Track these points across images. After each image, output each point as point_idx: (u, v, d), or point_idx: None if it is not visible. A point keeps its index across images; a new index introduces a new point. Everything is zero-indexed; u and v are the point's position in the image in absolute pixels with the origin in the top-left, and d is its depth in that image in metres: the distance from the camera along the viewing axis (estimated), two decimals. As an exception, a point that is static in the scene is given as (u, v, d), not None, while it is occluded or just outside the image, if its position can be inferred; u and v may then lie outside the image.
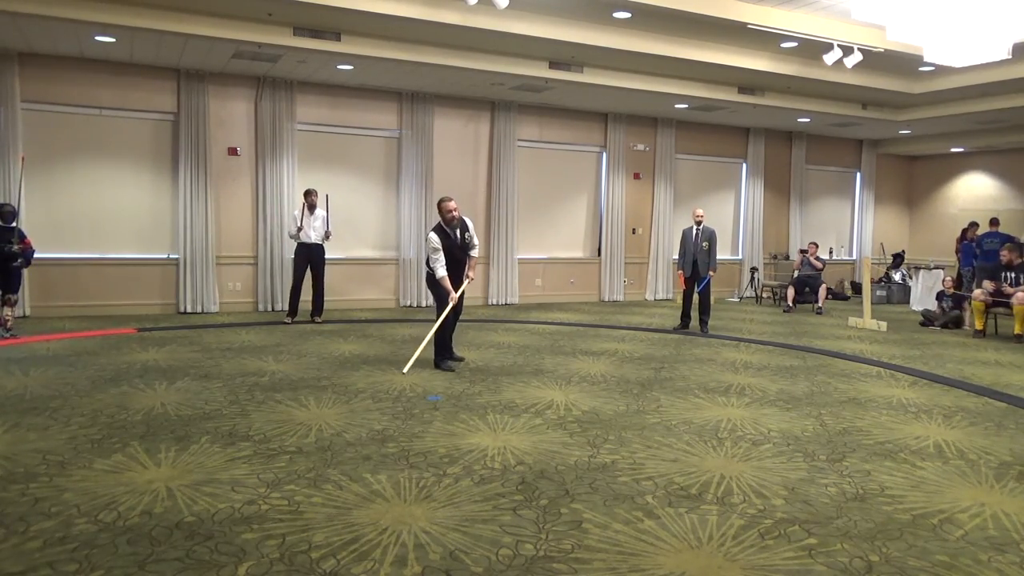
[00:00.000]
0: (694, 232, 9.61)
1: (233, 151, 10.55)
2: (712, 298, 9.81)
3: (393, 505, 3.57)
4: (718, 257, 9.74)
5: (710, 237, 9.58)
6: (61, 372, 6.32)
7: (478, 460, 4.25)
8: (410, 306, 11.59)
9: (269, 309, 10.64)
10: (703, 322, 9.62)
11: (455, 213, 6.85)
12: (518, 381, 6.40)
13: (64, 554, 2.98)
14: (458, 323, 7.44)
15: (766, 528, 3.40)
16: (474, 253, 7.09)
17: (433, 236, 6.78)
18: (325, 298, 9.91)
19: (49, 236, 9.33)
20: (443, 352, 7.04)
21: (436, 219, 11.56)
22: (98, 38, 8.54)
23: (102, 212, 9.99)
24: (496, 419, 5.15)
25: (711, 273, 9.56)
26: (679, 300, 10.19)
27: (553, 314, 11.20)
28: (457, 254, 6.92)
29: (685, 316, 9.82)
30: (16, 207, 8.08)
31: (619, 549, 3.15)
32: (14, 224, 7.97)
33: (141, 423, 4.85)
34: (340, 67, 9.77)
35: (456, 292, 6.91)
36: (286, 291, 10.69)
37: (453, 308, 6.97)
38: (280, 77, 10.49)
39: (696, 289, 9.58)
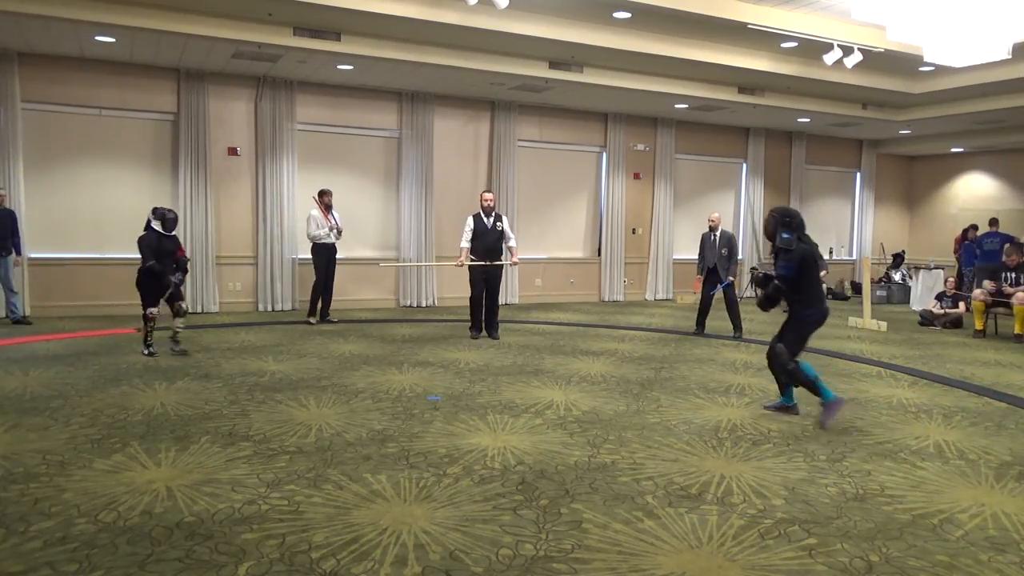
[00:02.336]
0: (712, 238, 9.20)
1: (233, 151, 10.55)
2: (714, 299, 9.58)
3: (393, 505, 3.57)
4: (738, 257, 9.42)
5: (729, 243, 9.16)
6: (61, 372, 6.32)
7: (478, 460, 4.25)
8: (410, 306, 11.59)
9: (269, 309, 10.63)
10: (736, 326, 9.22)
11: (489, 203, 8.56)
12: (518, 381, 6.40)
13: (64, 554, 2.98)
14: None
15: (766, 528, 3.40)
16: (512, 244, 8.76)
17: (470, 220, 8.53)
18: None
19: (49, 236, 9.34)
20: (474, 323, 8.69)
21: (436, 219, 11.80)
22: (98, 38, 8.54)
23: (102, 212, 9.99)
24: (496, 419, 5.15)
25: (730, 278, 9.14)
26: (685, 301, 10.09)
27: (553, 314, 11.20)
28: (487, 237, 8.45)
29: (699, 323, 9.45)
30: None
31: (619, 549, 3.15)
32: (174, 232, 7.32)
33: (141, 423, 4.85)
34: (340, 67, 9.78)
35: (478, 264, 8.47)
36: (286, 291, 10.74)
37: (484, 287, 8.53)
38: (280, 77, 10.49)
39: (710, 292, 9.22)
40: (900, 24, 7.08)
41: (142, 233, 7.14)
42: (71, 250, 9.80)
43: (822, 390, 5.20)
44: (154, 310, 7.13)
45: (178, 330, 7.27)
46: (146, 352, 7.08)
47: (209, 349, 7.59)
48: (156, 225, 7.15)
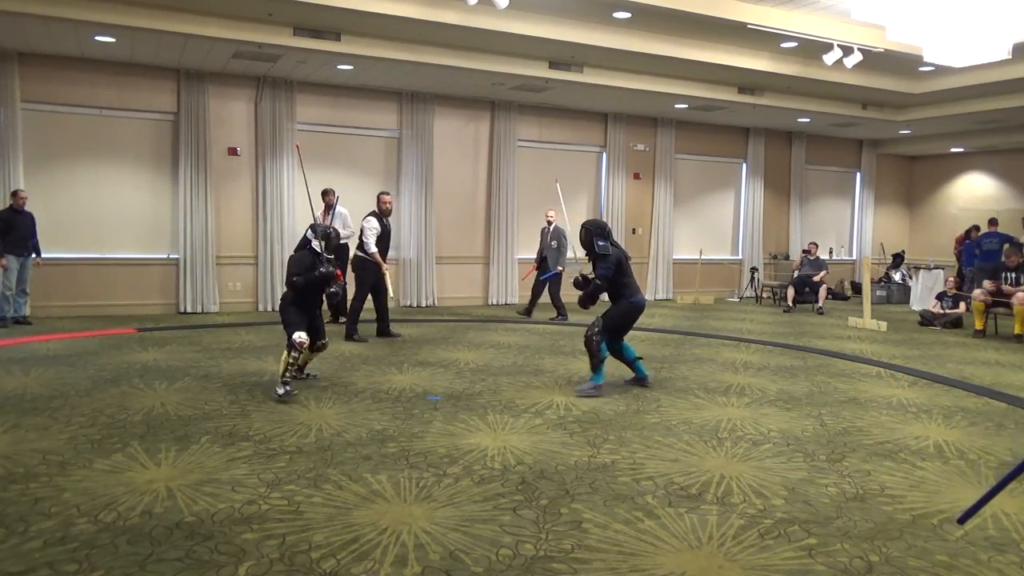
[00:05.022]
0: (546, 231, 10.44)
1: (233, 151, 10.55)
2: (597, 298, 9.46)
3: (393, 505, 3.57)
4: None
5: (558, 236, 10.27)
6: (61, 372, 6.32)
7: (478, 460, 4.25)
8: (410, 306, 11.59)
9: (269, 309, 10.63)
10: (559, 313, 10.32)
11: (391, 205, 8.56)
12: (518, 381, 6.40)
13: (64, 554, 2.98)
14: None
15: (766, 528, 3.40)
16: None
17: (373, 220, 8.23)
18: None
19: (49, 236, 9.32)
20: (357, 325, 8.34)
21: (435, 219, 11.83)
22: (98, 38, 8.54)
23: (102, 212, 9.99)
24: (496, 419, 5.15)
25: (559, 269, 10.21)
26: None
27: (553, 314, 11.18)
28: (389, 240, 8.49)
29: (530, 306, 10.72)
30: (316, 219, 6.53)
31: (619, 549, 3.15)
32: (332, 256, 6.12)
33: (141, 423, 4.85)
34: (340, 67, 9.77)
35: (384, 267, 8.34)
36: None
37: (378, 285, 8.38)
38: (280, 77, 10.49)
39: (541, 278, 10.37)
40: (900, 24, 7.08)
41: (294, 253, 6.08)
42: (71, 250, 9.80)
43: (599, 373, 6.01)
44: (302, 335, 5.66)
45: (310, 361, 6.30)
46: (281, 392, 5.56)
47: (209, 349, 7.59)
48: (317, 245, 5.95)
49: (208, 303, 10.35)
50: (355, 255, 8.40)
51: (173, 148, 10.26)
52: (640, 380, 6.33)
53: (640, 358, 6.39)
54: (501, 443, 4.59)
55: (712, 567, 3.02)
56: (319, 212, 9.34)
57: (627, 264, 6.22)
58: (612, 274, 6.07)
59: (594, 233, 6.13)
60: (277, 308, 5.99)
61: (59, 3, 7.56)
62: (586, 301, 6.23)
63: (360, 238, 8.29)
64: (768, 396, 6.05)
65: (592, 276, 6.23)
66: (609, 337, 6.14)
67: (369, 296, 8.46)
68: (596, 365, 6.01)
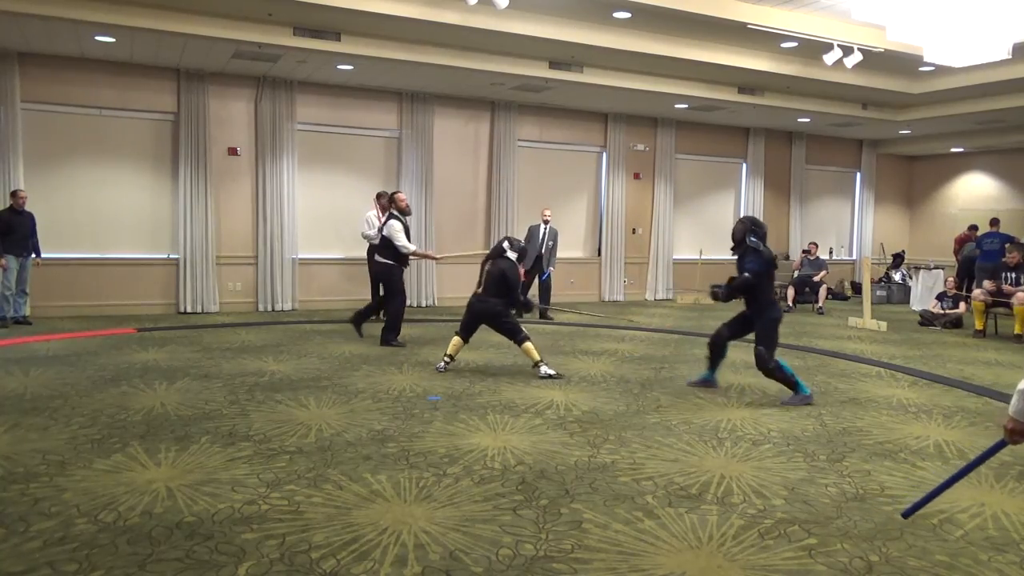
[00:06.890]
0: (542, 231, 10.52)
1: (233, 151, 10.55)
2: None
3: (393, 505, 3.57)
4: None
5: (555, 236, 10.59)
6: (61, 372, 6.32)
7: (478, 460, 4.25)
8: (410, 306, 11.57)
9: (269, 309, 10.64)
10: (543, 311, 10.47)
11: (406, 203, 8.40)
12: (518, 381, 6.40)
13: (64, 554, 2.98)
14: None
15: (766, 528, 3.40)
16: None
17: (397, 223, 7.96)
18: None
19: (49, 236, 9.32)
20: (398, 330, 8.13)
21: (436, 219, 11.78)
22: (98, 38, 8.54)
23: (102, 212, 9.99)
24: (496, 419, 5.15)
25: (551, 269, 10.56)
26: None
27: (553, 314, 11.19)
28: (408, 237, 8.27)
29: (544, 306, 10.59)
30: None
31: (619, 549, 3.15)
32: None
33: (141, 423, 4.85)
34: (340, 67, 9.78)
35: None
36: (286, 291, 10.77)
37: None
38: (280, 77, 10.49)
39: (539, 279, 10.53)
40: (900, 24, 7.08)
41: (503, 267, 6.61)
42: (71, 250, 9.80)
43: (799, 385, 5.88)
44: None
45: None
46: (549, 371, 6.55)
47: (209, 349, 7.59)
48: (513, 257, 6.72)
49: (208, 303, 10.35)
50: (380, 262, 8.06)
51: (173, 148, 10.26)
52: (707, 382, 6.33)
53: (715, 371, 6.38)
54: (501, 443, 4.59)
55: (712, 567, 3.02)
56: (371, 214, 9.46)
57: (774, 270, 6.05)
58: (761, 268, 5.82)
59: (749, 227, 5.99)
60: (494, 313, 6.67)
61: (59, 3, 7.56)
62: (728, 295, 6.03)
63: (392, 244, 7.90)
64: (768, 396, 6.05)
65: (724, 286, 6.12)
66: (730, 333, 6.19)
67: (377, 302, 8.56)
68: (792, 384, 5.84)
